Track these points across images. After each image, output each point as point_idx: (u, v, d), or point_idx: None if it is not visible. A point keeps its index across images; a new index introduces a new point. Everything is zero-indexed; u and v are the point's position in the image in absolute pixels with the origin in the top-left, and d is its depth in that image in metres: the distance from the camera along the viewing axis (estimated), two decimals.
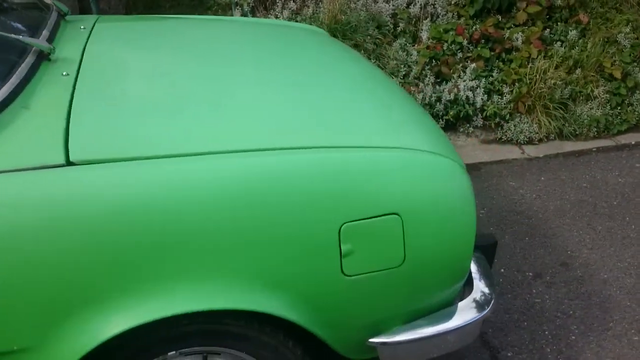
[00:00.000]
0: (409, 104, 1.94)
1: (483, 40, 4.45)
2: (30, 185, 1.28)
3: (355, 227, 1.43)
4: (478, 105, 4.19)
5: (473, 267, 1.81)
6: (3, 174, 1.27)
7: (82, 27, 2.14)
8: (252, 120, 1.56)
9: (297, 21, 4.36)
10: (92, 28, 2.12)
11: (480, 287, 1.73)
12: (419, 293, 1.57)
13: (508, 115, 4.20)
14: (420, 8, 4.62)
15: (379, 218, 1.45)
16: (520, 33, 4.48)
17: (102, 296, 1.31)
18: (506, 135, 4.17)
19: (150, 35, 2.22)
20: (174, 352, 1.49)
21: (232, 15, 4.59)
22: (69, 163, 1.31)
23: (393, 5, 4.60)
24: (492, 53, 4.41)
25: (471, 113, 4.18)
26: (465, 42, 4.43)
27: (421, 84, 4.15)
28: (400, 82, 4.17)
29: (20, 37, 1.74)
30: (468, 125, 4.25)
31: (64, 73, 1.71)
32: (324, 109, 1.67)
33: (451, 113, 4.14)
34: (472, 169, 3.82)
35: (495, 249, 2.12)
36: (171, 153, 1.38)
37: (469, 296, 1.69)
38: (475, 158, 3.98)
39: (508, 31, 4.55)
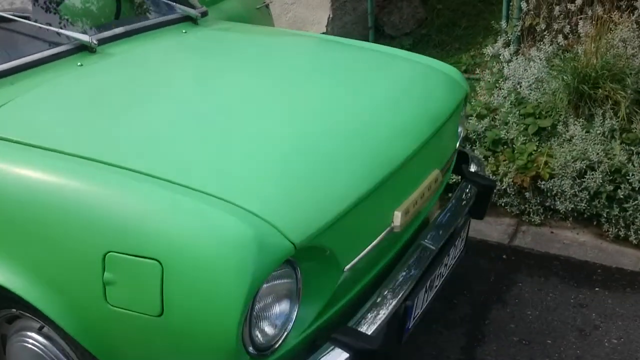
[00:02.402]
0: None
1: None
2: None
3: (119, 259, 1.37)
4: None
5: None
6: None
7: (184, 31, 2.42)
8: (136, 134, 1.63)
9: (556, 58, 3.81)
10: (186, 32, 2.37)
11: None
12: (172, 353, 1.39)
13: None
14: None
15: (140, 259, 1.35)
16: None
17: None
18: None
19: (232, 46, 2.38)
20: None
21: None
22: None
23: None
24: None
25: None
26: None
27: None
28: None
29: (64, 30, 2.11)
30: None
31: (79, 64, 2.02)
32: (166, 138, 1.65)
33: None
34: None
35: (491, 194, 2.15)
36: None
37: None
38: None
39: None
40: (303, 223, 1.43)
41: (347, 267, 1.59)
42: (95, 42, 2.08)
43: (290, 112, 1.84)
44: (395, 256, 1.90)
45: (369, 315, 1.64)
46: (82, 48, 2.07)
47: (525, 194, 3.19)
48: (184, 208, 1.37)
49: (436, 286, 1.99)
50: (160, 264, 1.32)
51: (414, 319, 1.84)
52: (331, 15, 4.60)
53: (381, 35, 5.08)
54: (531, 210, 3.18)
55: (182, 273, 1.32)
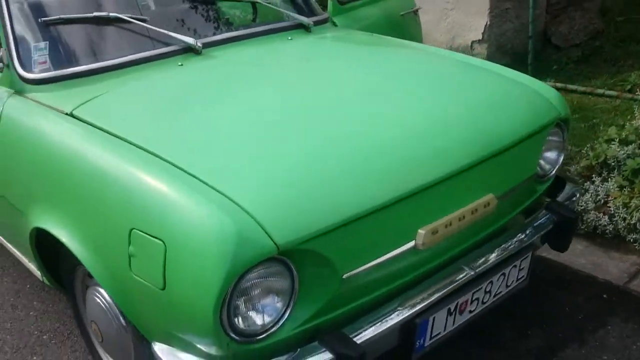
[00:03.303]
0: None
1: None
2: None
3: (139, 235, 1.60)
4: None
5: None
6: None
7: (289, 38, 2.63)
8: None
9: None
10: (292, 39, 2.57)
11: None
12: (173, 323, 1.59)
13: None
14: None
15: (152, 238, 1.57)
16: None
17: None
18: None
19: (328, 53, 2.53)
20: None
21: None
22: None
23: None
24: None
25: None
26: None
27: None
28: None
29: (173, 32, 2.36)
30: None
31: (179, 64, 2.32)
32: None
33: None
34: None
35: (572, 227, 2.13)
36: None
37: None
38: None
39: None
40: (293, 226, 1.53)
41: (347, 275, 1.65)
42: (200, 44, 2.36)
43: (345, 120, 1.94)
44: (429, 273, 1.90)
45: (367, 325, 1.70)
46: (189, 50, 2.36)
47: None
48: (189, 199, 1.55)
49: (471, 311, 1.95)
50: (164, 244, 1.53)
51: (430, 339, 1.84)
52: (488, 23, 4.49)
53: (547, 45, 4.83)
54: None
55: (178, 255, 1.51)
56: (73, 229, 1.82)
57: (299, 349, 1.62)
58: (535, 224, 2.16)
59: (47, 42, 2.22)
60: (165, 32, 2.33)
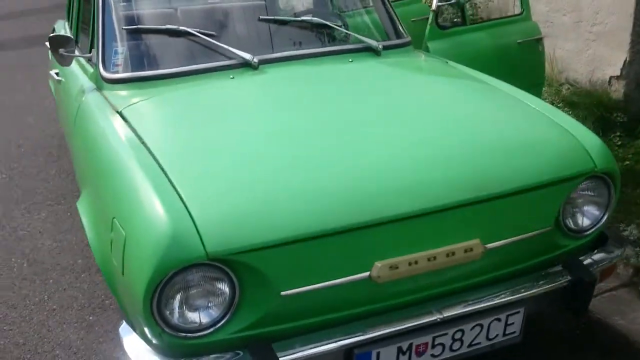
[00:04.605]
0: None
1: None
2: None
3: (115, 224, 1.83)
4: None
5: None
6: None
7: (350, 60, 2.72)
8: None
9: None
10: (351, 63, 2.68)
11: None
12: (129, 308, 1.79)
13: None
14: None
15: (120, 227, 1.79)
16: None
17: None
18: None
19: (380, 77, 2.60)
20: None
21: None
22: None
23: None
24: None
25: None
26: None
27: None
28: None
29: (232, 48, 2.55)
30: None
31: (231, 77, 2.53)
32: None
33: None
34: None
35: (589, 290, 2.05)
36: None
37: None
38: None
39: None
40: (229, 238, 1.66)
41: (286, 293, 1.74)
42: (256, 60, 2.55)
43: (336, 144, 2.01)
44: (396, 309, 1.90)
45: (301, 345, 1.76)
46: (246, 65, 2.56)
47: None
48: (151, 199, 1.74)
49: (434, 356, 1.91)
50: (125, 235, 1.75)
51: None
52: (628, 59, 4.11)
53: None
54: None
55: (131, 246, 1.72)
56: (87, 211, 2.13)
57: (229, 354, 1.74)
58: (536, 280, 2.03)
59: (124, 48, 2.57)
60: (226, 46, 2.56)
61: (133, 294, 1.69)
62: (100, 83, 2.54)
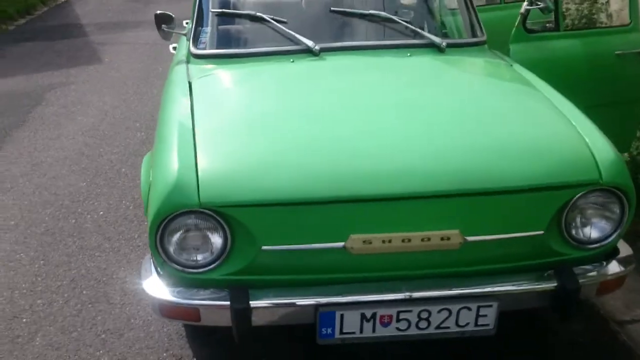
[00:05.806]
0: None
1: None
2: None
3: (151, 172, 2.23)
4: None
5: None
6: None
7: (408, 54, 2.89)
8: None
9: None
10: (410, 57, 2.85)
11: None
12: None
13: None
14: None
15: (152, 173, 2.18)
16: None
17: None
18: None
19: (430, 74, 2.77)
20: None
21: None
22: None
23: None
24: None
25: None
26: None
27: None
28: None
29: (298, 35, 2.82)
30: None
31: (291, 60, 2.82)
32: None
33: None
34: None
35: (572, 298, 2.07)
36: None
37: None
38: None
39: None
40: (222, 193, 1.96)
41: (265, 248, 2.01)
42: (317, 48, 2.82)
43: (353, 126, 2.24)
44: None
45: (272, 294, 2.04)
46: (308, 51, 2.84)
47: None
48: (172, 152, 2.12)
49: (400, 329, 2.07)
50: (152, 179, 2.13)
51: (341, 333, 2.05)
52: None
53: None
54: None
55: (152, 187, 2.09)
56: (145, 162, 2.54)
57: (210, 290, 2.06)
58: (516, 280, 2.10)
59: (210, 28, 2.98)
60: (293, 32, 2.85)
61: (148, 228, 2.07)
62: (189, 57, 2.97)
